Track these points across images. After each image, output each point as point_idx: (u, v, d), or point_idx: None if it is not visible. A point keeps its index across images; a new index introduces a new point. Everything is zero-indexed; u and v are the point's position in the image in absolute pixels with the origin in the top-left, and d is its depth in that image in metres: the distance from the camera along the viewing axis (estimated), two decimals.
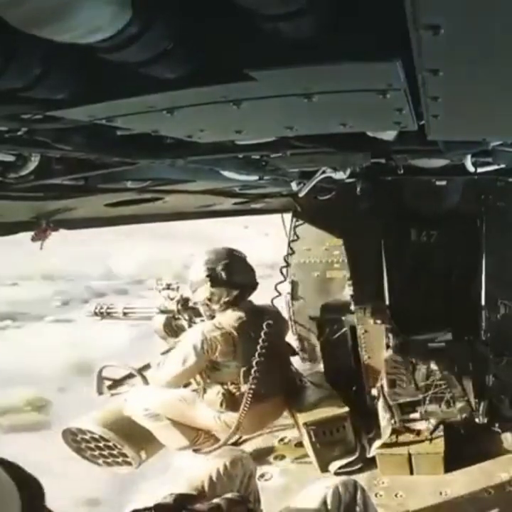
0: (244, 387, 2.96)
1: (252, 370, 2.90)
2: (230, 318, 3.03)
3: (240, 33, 0.76)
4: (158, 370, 3.06)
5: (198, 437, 3.20)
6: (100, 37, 0.66)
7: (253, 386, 2.89)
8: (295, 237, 3.86)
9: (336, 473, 3.04)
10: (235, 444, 3.32)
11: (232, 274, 3.02)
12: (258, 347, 2.90)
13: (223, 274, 3.00)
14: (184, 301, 3.35)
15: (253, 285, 3.16)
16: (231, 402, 2.99)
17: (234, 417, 2.97)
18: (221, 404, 2.99)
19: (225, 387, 3.01)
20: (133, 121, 1.06)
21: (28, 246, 2.05)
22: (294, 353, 3.65)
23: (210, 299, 3.06)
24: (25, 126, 1.06)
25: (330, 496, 1.95)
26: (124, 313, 3.66)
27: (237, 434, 3.13)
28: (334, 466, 3.14)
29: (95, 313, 3.71)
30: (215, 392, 3.02)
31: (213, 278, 3.01)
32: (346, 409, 3.21)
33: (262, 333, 2.85)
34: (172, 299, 3.41)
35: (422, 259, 3.19)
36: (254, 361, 2.90)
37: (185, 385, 3.24)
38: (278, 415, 3.42)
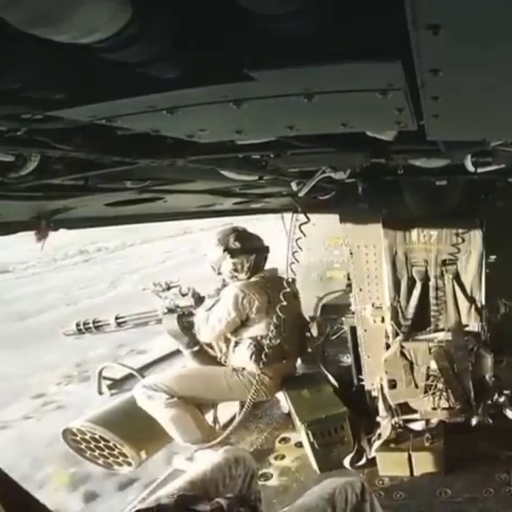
0: (274, 341, 3.23)
1: (277, 324, 3.13)
2: (261, 279, 3.41)
3: (240, 33, 0.76)
4: (207, 325, 3.34)
5: (212, 431, 3.37)
6: (100, 37, 0.66)
7: (278, 339, 3.19)
8: (302, 235, 3.94)
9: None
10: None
11: (244, 241, 3.42)
12: (280, 304, 3.11)
13: (237, 244, 3.40)
14: (198, 295, 3.50)
15: (265, 248, 3.57)
16: (260, 355, 3.22)
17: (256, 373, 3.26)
18: (251, 357, 3.29)
19: (257, 340, 3.32)
20: (133, 121, 1.06)
21: None
22: (306, 325, 3.77)
23: (235, 269, 3.42)
24: (25, 126, 1.06)
25: (337, 496, 1.94)
26: (118, 324, 3.51)
27: (263, 394, 3.39)
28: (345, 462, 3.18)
29: (78, 331, 3.50)
30: (246, 345, 3.34)
31: (230, 250, 3.40)
32: (345, 409, 3.21)
33: (283, 291, 3.11)
34: (184, 295, 3.48)
35: (422, 259, 3.18)
36: (283, 317, 3.13)
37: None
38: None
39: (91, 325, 3.51)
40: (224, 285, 3.49)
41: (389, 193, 3.21)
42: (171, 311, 3.46)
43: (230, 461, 2.13)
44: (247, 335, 3.38)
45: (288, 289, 3.09)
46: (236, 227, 3.52)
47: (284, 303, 3.04)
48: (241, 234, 3.45)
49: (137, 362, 4.13)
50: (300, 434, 3.35)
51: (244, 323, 3.37)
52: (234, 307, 3.28)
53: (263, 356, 3.12)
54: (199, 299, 3.48)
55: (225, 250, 3.39)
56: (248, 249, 3.43)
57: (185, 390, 3.22)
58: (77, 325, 3.52)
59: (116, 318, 3.53)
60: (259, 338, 3.34)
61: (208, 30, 0.77)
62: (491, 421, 3.02)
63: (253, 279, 3.42)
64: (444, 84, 0.82)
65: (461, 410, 2.96)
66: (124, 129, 1.15)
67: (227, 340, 3.45)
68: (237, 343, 3.40)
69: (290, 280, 3.23)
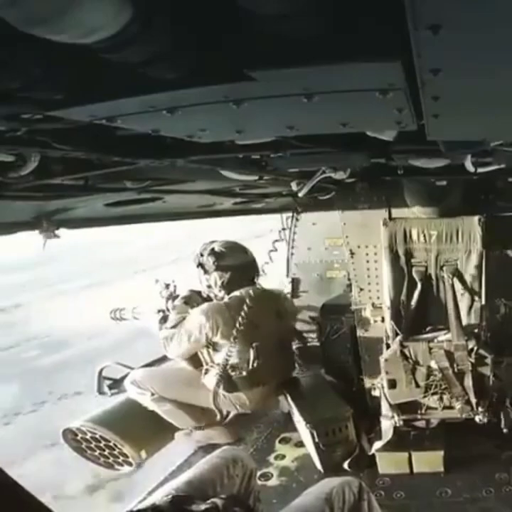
0: (243, 371, 3.13)
1: (252, 355, 3.08)
2: (233, 302, 3.17)
3: (240, 33, 0.76)
4: (167, 345, 3.24)
5: (205, 415, 3.36)
6: (100, 37, 0.66)
7: (253, 370, 3.08)
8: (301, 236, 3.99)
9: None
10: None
11: (219, 258, 3.22)
12: (261, 331, 3.06)
13: (210, 260, 3.21)
14: (174, 299, 3.45)
15: (245, 265, 3.30)
16: (229, 384, 3.14)
17: (236, 394, 3.19)
18: (218, 385, 3.13)
19: (224, 369, 3.14)
20: (133, 121, 1.06)
21: None
22: (300, 338, 3.77)
23: (209, 286, 3.30)
24: (25, 126, 1.06)
25: (334, 496, 1.94)
26: (133, 317, 3.67)
27: (242, 410, 3.33)
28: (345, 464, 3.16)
29: (111, 318, 3.75)
30: (214, 373, 3.17)
31: (203, 266, 3.26)
32: (349, 408, 3.21)
33: (267, 320, 3.07)
34: (164, 298, 3.48)
35: (422, 259, 3.18)
36: (254, 345, 3.07)
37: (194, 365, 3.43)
38: (277, 398, 3.56)
39: (118, 315, 3.70)
40: (206, 299, 3.39)
41: (389, 193, 3.21)
42: (159, 311, 3.47)
43: (227, 461, 2.13)
44: (216, 360, 3.19)
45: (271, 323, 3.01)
46: (215, 242, 3.33)
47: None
48: (217, 250, 3.25)
49: None
50: (301, 434, 3.34)
51: (213, 347, 3.18)
52: (197, 331, 3.10)
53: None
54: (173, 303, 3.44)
55: (198, 266, 3.28)
56: (222, 266, 3.21)
57: (164, 392, 3.26)
58: (111, 313, 3.72)
59: (133, 311, 3.68)
60: (227, 366, 3.14)
61: (208, 30, 0.77)
62: (490, 421, 3.01)
63: (225, 300, 3.21)
64: (444, 84, 0.82)
65: (461, 410, 2.95)
66: (124, 129, 1.15)
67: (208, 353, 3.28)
68: (207, 370, 3.22)
69: (285, 294, 3.18)
